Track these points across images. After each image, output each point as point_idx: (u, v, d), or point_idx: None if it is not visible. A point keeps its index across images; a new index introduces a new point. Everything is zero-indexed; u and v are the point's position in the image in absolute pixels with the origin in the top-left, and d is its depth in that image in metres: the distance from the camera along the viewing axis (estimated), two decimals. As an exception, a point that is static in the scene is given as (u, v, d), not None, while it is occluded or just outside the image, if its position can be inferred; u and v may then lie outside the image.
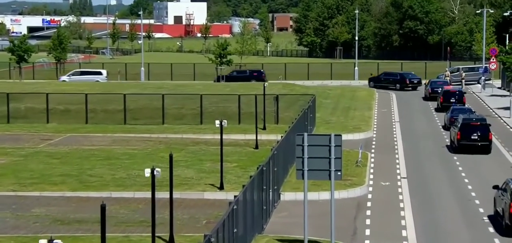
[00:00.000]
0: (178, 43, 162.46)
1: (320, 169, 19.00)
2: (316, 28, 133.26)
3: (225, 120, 26.54)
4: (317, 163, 18.98)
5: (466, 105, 45.69)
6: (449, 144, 37.00)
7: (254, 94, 45.14)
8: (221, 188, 26.12)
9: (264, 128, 39.14)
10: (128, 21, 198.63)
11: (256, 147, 34.26)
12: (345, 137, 38.33)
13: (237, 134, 37.94)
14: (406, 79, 63.50)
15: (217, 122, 26.50)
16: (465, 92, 52.28)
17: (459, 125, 34.73)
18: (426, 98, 56.70)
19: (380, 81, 64.55)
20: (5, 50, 74.04)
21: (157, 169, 17.61)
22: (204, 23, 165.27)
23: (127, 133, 38.93)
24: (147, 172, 17.73)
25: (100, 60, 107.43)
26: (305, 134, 19.07)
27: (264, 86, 39.29)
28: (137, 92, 53.10)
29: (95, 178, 27.64)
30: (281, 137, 27.66)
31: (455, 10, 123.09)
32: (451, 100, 47.90)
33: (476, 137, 34.22)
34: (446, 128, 41.34)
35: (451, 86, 54.23)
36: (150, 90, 54.81)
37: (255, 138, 34.77)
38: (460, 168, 31.44)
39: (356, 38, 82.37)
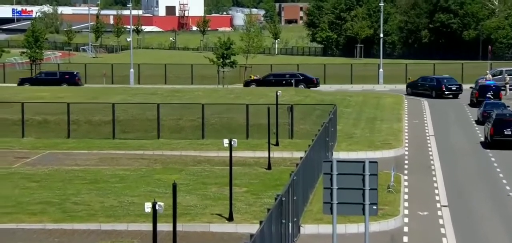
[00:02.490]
0: (171, 38, 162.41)
1: (352, 202, 18.63)
2: (331, 22, 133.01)
3: (235, 140, 26.18)
4: (348, 195, 18.62)
5: (501, 100, 51.37)
6: (483, 140, 40.88)
7: (265, 103, 44.90)
8: (230, 218, 25.74)
9: (277, 144, 38.79)
10: (113, 12, 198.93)
11: (269, 167, 33.92)
12: (372, 154, 38.31)
13: (245, 151, 37.58)
14: (313, 79, 68.64)
15: (225, 141, 26.14)
16: (503, 89, 57.91)
17: (492, 121, 39.40)
18: (432, 96, 61.64)
19: (265, 83, 67.05)
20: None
21: (159, 203, 17.21)
22: (202, 16, 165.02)
23: (116, 149, 38.62)
24: (148, 207, 17.34)
25: (82, 60, 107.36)
26: (334, 160, 18.69)
27: (276, 95, 38.90)
28: (127, 100, 52.81)
29: (81, 206, 27.29)
30: (301, 158, 27.27)
31: (495, 1, 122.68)
32: (488, 95, 53.72)
33: (510, 132, 38.59)
34: (479, 122, 46.89)
35: (486, 81, 60.41)
36: (141, 98, 54.55)
37: (267, 156, 34.41)
38: (501, 173, 31.16)
39: (381, 34, 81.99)
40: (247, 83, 67.45)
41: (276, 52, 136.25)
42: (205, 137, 41.41)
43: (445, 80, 63.45)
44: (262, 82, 67.08)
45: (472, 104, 56.11)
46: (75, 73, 70.27)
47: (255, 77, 68.71)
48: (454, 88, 62.22)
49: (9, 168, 33.94)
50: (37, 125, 43.72)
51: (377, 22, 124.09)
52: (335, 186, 18.60)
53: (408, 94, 64.14)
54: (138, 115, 45.77)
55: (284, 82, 66.69)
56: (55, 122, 43.98)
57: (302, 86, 66.09)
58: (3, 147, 39.14)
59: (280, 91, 40.11)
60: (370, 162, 18.63)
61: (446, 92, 61.75)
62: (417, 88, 63.99)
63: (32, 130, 42.55)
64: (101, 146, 39.37)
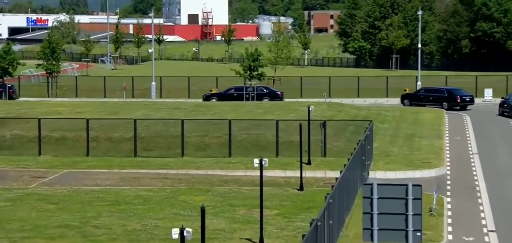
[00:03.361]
0: (194, 49, 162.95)
1: (394, 228, 18.41)
2: (365, 31, 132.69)
3: (266, 159, 26.01)
4: (390, 221, 18.41)
5: None
6: None
7: (295, 119, 44.73)
8: (260, 244, 25.54)
9: (309, 163, 38.62)
10: (132, 21, 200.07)
11: (301, 188, 33.74)
12: (411, 174, 37.99)
13: (275, 170, 37.45)
14: (278, 93, 69.50)
15: (256, 161, 25.98)
16: None
17: None
18: (443, 108, 63.90)
19: (226, 97, 68.07)
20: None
21: (187, 229, 17.10)
22: (227, 25, 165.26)
23: (138, 168, 38.67)
24: (175, 233, 17.24)
25: (99, 72, 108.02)
26: (375, 183, 18.50)
27: (309, 110, 38.73)
28: (149, 115, 52.88)
29: (102, 230, 27.26)
30: (336, 179, 27.07)
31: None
32: None
33: None
34: None
35: None
36: (164, 112, 54.63)
37: (299, 175, 34.24)
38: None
39: (419, 44, 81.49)
40: (207, 98, 68.52)
41: (305, 63, 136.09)
42: (232, 155, 41.34)
43: (457, 91, 66.53)
44: (224, 96, 68.14)
45: (501, 115, 60.00)
46: (9, 86, 72.02)
47: (215, 91, 69.72)
48: (468, 100, 65.38)
49: (26, 188, 34.05)
50: (54, 142, 43.85)
51: (414, 31, 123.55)
52: (375, 211, 18.41)
53: (404, 106, 66.28)
54: (161, 131, 45.74)
55: (247, 96, 67.77)
56: (74, 139, 44.10)
57: (267, 99, 67.25)
58: (19, 165, 39.33)
59: (312, 106, 39.88)
60: (413, 185, 18.42)
61: (462, 104, 64.76)
62: (420, 100, 65.95)
63: (49, 148, 42.70)
64: (122, 164, 39.43)
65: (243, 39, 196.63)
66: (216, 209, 30.16)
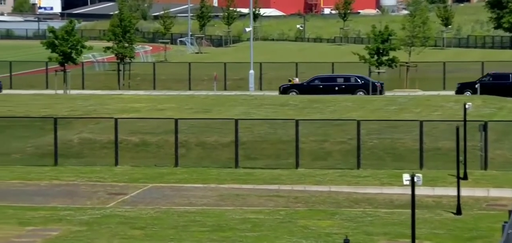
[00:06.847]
0: (299, 26, 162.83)
1: None
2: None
3: (420, 175, 25.52)
4: None
5: None
6: None
7: (447, 120, 44.11)
8: (412, 287, 25.12)
9: (465, 177, 38.07)
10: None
11: (458, 212, 33.19)
12: None
13: (420, 187, 36.75)
14: None
15: (406, 177, 25.48)
16: None
17: None
18: None
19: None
20: (43, 43, 75.37)
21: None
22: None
23: (241, 182, 38.80)
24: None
25: (180, 57, 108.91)
26: None
27: (465, 108, 38.11)
28: (250, 113, 53.13)
29: (205, 265, 27.43)
30: (512, 201, 26.45)
31: None
32: None
33: None
34: None
35: None
36: (268, 110, 54.88)
37: (452, 194, 33.93)
38: None
39: None
40: None
41: (445, 44, 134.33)
42: (361, 166, 41.10)
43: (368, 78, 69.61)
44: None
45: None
46: None
47: None
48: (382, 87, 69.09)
49: (103, 208, 34.46)
50: (133, 148, 44.47)
51: None
52: None
53: None
54: (267, 135, 45.97)
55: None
56: (157, 144, 44.63)
57: None
58: (91, 178, 39.89)
59: (469, 103, 39.26)
60: None
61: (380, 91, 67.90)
62: (317, 91, 66.66)
63: (127, 155, 43.26)
64: (220, 177, 39.63)
65: (359, 12, 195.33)
66: (350, 238, 29.85)
